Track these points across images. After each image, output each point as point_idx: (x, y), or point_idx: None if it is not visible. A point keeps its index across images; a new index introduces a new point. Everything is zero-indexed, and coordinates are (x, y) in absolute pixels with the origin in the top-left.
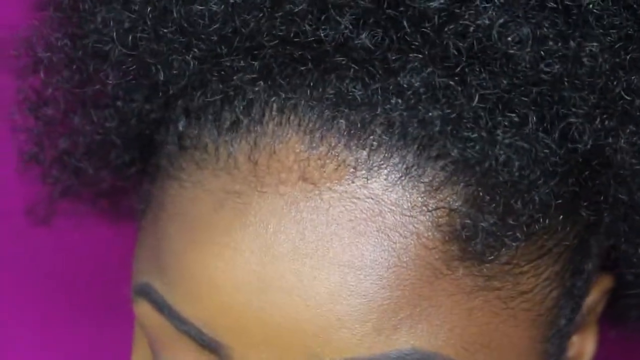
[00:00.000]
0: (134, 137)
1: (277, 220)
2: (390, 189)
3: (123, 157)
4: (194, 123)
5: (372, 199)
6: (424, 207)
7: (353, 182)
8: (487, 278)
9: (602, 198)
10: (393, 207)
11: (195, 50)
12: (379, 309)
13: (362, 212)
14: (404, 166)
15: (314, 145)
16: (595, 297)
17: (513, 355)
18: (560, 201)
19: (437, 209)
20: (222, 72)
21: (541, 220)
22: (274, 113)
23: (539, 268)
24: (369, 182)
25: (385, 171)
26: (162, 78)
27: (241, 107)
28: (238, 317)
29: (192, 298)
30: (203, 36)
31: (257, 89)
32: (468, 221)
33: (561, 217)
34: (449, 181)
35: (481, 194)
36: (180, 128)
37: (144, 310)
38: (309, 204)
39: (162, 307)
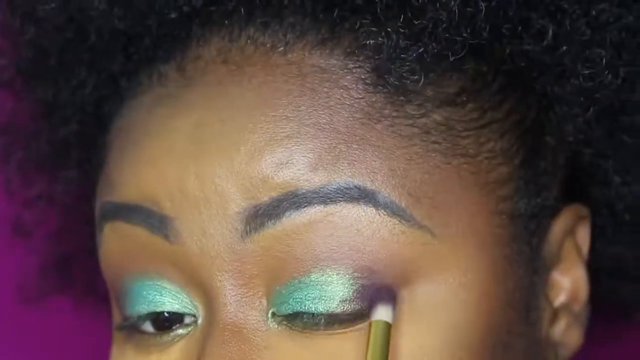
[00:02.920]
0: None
1: (205, 101)
2: (307, 56)
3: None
4: (129, 77)
5: (291, 64)
6: (344, 67)
7: (272, 55)
8: (423, 131)
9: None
10: (314, 68)
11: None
12: (315, 147)
13: (283, 74)
14: (320, 37)
15: (234, 38)
16: (567, 221)
17: (464, 216)
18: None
19: (356, 67)
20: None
21: (474, 78)
22: (196, 30)
23: (480, 137)
24: (287, 54)
25: (301, 44)
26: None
27: (169, 40)
28: (178, 184)
29: (135, 182)
30: None
31: (177, 16)
32: (386, 65)
33: (496, 93)
34: (367, 45)
35: (381, 39)
36: (121, 84)
37: (105, 238)
38: (234, 79)
39: (116, 211)
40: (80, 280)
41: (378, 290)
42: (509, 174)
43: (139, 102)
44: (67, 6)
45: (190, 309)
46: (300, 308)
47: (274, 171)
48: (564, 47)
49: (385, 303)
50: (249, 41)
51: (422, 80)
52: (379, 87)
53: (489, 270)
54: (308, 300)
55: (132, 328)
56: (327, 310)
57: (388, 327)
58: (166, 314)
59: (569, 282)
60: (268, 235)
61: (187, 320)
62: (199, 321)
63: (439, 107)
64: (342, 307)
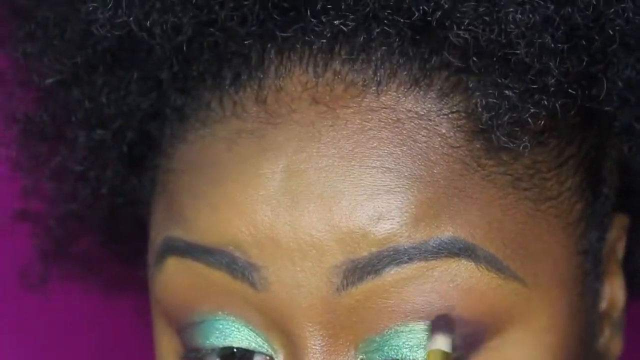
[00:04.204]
0: (130, 139)
1: (295, 142)
2: (402, 99)
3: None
4: (192, 95)
5: (387, 108)
6: (440, 113)
7: (365, 97)
8: (515, 178)
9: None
10: (409, 114)
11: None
12: (416, 200)
13: (379, 121)
14: (411, 78)
15: (319, 73)
16: (615, 233)
17: (550, 261)
18: (570, 103)
19: (452, 112)
20: (214, 35)
21: (555, 114)
22: (272, 56)
23: (560, 176)
24: (380, 96)
25: (394, 85)
26: (155, 55)
27: (239, 61)
28: (268, 232)
29: (220, 225)
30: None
31: (251, 40)
32: (486, 119)
33: (573, 125)
34: (459, 86)
35: (490, 91)
36: (179, 102)
37: (170, 269)
38: (325, 122)
39: (190, 249)
40: (84, 266)
41: (437, 318)
42: (583, 210)
43: (211, 133)
44: (117, 11)
45: (268, 350)
46: (397, 356)
47: (374, 226)
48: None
49: (443, 332)
50: (336, 78)
51: (532, 132)
52: (476, 135)
53: (568, 309)
54: (406, 348)
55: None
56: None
57: (446, 357)
58: (236, 350)
59: (608, 290)
60: (365, 290)
61: (262, 358)
62: None
63: (529, 150)
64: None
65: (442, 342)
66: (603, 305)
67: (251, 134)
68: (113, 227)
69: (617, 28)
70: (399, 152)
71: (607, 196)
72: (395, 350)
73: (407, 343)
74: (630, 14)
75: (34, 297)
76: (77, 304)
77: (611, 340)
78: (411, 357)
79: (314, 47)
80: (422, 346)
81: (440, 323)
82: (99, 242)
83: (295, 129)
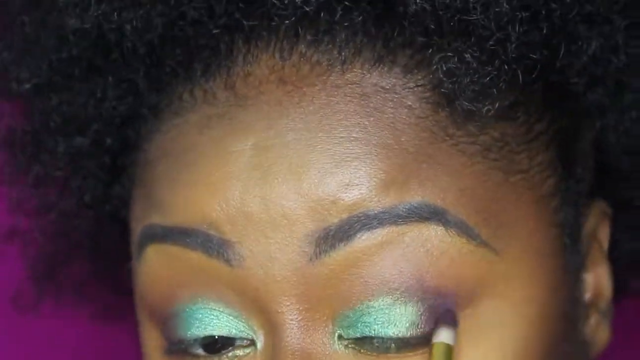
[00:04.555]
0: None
1: (264, 121)
2: (367, 76)
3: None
4: (165, 91)
5: (352, 84)
6: (405, 86)
7: (330, 75)
8: (484, 148)
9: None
10: (375, 88)
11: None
12: (385, 167)
13: (345, 95)
14: (375, 56)
15: (285, 56)
16: (594, 219)
17: (523, 232)
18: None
19: (418, 86)
20: (184, 30)
21: (523, 90)
22: (240, 45)
23: (530, 151)
24: (345, 73)
25: (359, 63)
26: (127, 50)
27: (209, 53)
28: (240, 207)
29: (193, 206)
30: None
31: (219, 32)
32: (449, 87)
33: (540, 103)
34: (423, 62)
35: (451, 57)
36: (154, 100)
37: (150, 257)
38: (293, 100)
39: (167, 233)
40: (72, 287)
41: (442, 312)
42: (556, 186)
43: (185, 121)
44: (88, 13)
45: (248, 334)
46: (369, 332)
47: (344, 192)
48: (613, 60)
49: (447, 325)
50: (302, 59)
51: (500, 104)
52: (441, 105)
53: (546, 283)
54: (377, 324)
55: (183, 352)
56: (397, 335)
57: (449, 350)
58: (219, 337)
59: (592, 279)
60: (338, 258)
61: (244, 343)
62: (259, 345)
63: (496, 123)
64: (411, 331)
65: (446, 335)
66: (589, 294)
67: (222, 117)
68: (102, 245)
69: None
70: (366, 123)
71: (581, 176)
72: (368, 327)
73: (378, 320)
74: None
75: (26, 320)
76: (70, 328)
77: (598, 329)
78: (382, 333)
79: (279, 32)
80: (393, 322)
81: (445, 316)
82: (90, 270)
83: (263, 109)
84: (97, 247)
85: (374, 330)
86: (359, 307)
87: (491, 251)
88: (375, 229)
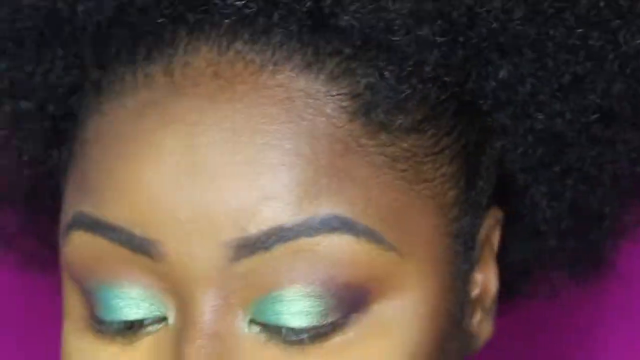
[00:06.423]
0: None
1: (196, 115)
2: (295, 80)
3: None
4: (109, 69)
5: (280, 86)
6: (328, 94)
7: (262, 75)
8: (392, 159)
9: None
10: (300, 93)
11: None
12: (299, 179)
13: (272, 97)
14: (305, 61)
15: (222, 51)
16: (488, 225)
17: (423, 238)
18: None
19: (339, 94)
20: (131, 16)
21: (434, 106)
22: (182, 35)
23: (435, 162)
24: (276, 75)
25: (289, 66)
26: (72, 28)
27: (153, 39)
28: (167, 208)
29: (122, 202)
30: None
31: (163, 20)
32: (367, 99)
33: (450, 119)
34: (347, 71)
35: (372, 73)
36: (96, 76)
37: (76, 242)
38: (225, 96)
39: (94, 225)
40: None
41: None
42: (456, 197)
43: (122, 105)
44: None
45: (161, 312)
46: (277, 322)
47: (263, 205)
48: (519, 88)
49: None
50: (237, 56)
51: (411, 118)
52: (357, 115)
53: (440, 286)
54: (288, 314)
55: (102, 333)
56: (307, 325)
57: None
58: (134, 321)
59: (481, 279)
60: (256, 261)
61: (156, 319)
62: (170, 321)
63: (406, 135)
64: (322, 321)
65: None
66: (476, 290)
67: (157, 104)
68: (34, 203)
69: (490, 29)
70: (286, 129)
71: (482, 189)
72: (278, 316)
73: (289, 309)
74: (502, 16)
75: None
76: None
77: (482, 323)
78: (292, 323)
79: (220, 28)
80: (303, 313)
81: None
82: (19, 220)
83: (196, 101)
84: (29, 201)
85: (285, 319)
86: (270, 295)
87: (397, 254)
88: (290, 240)
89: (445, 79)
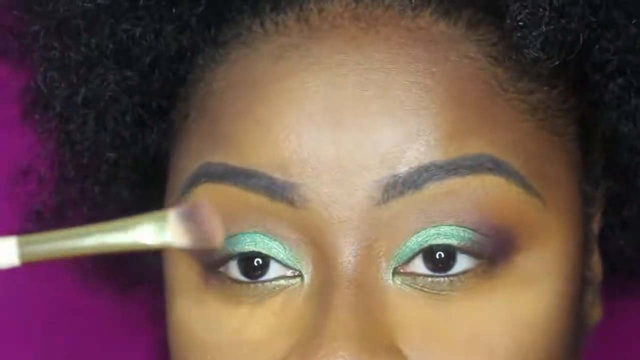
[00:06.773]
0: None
1: (339, 56)
2: (435, 24)
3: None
4: (230, 23)
5: (422, 29)
6: (469, 38)
7: (402, 19)
8: (533, 107)
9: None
10: (442, 36)
11: None
12: (449, 117)
13: (416, 39)
14: (443, 8)
15: None
16: (599, 205)
17: (562, 190)
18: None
19: (479, 40)
20: None
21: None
22: None
23: (566, 119)
24: (416, 19)
25: (428, 12)
26: None
27: None
28: (310, 149)
29: (261, 145)
30: None
31: None
32: (518, 36)
33: (571, 81)
34: (484, 20)
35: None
36: (214, 31)
37: (201, 196)
38: (367, 37)
39: (226, 174)
40: None
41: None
42: (582, 158)
43: (255, 51)
44: None
45: (294, 264)
46: (421, 270)
47: (412, 142)
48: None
49: None
50: (375, 1)
51: (546, 68)
52: (500, 60)
53: (580, 243)
54: (432, 261)
55: (215, 273)
56: (455, 271)
57: None
58: (259, 261)
59: (595, 257)
60: (405, 202)
61: (288, 273)
62: (306, 278)
63: (541, 86)
64: (470, 265)
65: None
66: (589, 272)
67: (296, 48)
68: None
69: None
70: (434, 70)
71: (597, 162)
72: (421, 264)
73: (436, 254)
74: None
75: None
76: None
77: (592, 306)
78: (438, 270)
79: None
80: (451, 257)
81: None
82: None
83: (338, 43)
84: (105, 198)
85: (430, 266)
86: (416, 239)
87: (541, 201)
88: (442, 179)
89: (591, 19)
